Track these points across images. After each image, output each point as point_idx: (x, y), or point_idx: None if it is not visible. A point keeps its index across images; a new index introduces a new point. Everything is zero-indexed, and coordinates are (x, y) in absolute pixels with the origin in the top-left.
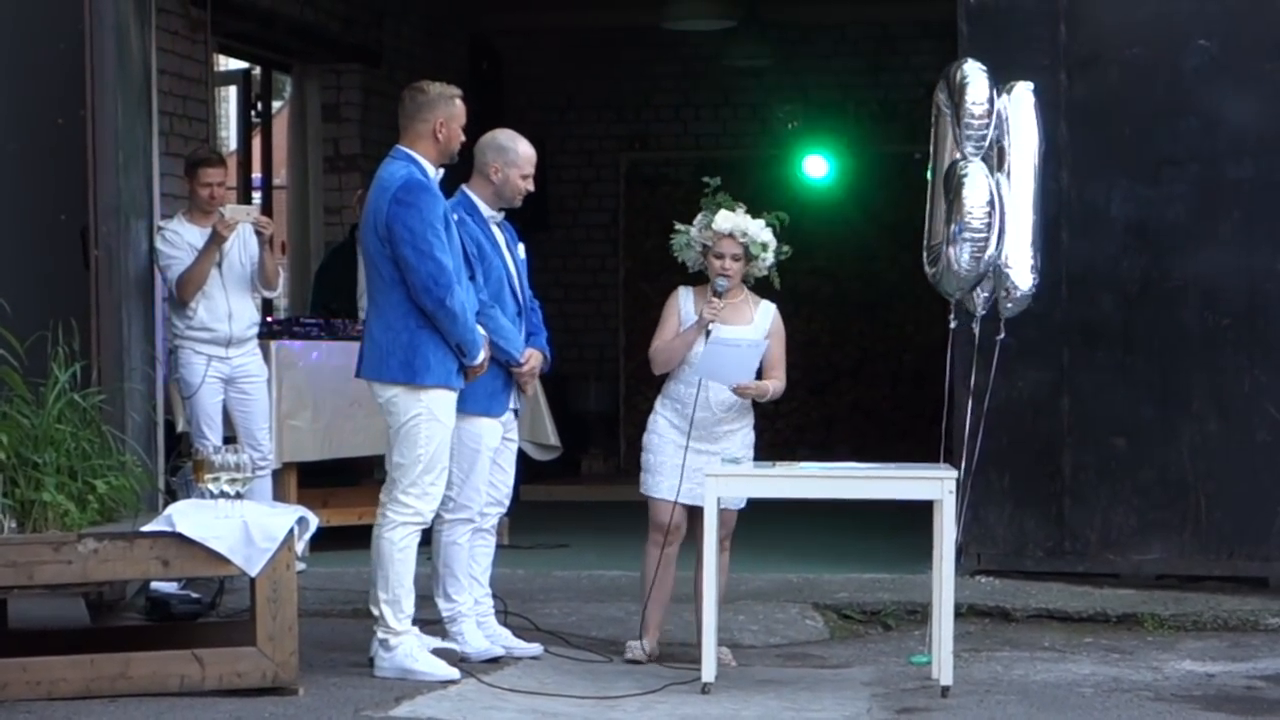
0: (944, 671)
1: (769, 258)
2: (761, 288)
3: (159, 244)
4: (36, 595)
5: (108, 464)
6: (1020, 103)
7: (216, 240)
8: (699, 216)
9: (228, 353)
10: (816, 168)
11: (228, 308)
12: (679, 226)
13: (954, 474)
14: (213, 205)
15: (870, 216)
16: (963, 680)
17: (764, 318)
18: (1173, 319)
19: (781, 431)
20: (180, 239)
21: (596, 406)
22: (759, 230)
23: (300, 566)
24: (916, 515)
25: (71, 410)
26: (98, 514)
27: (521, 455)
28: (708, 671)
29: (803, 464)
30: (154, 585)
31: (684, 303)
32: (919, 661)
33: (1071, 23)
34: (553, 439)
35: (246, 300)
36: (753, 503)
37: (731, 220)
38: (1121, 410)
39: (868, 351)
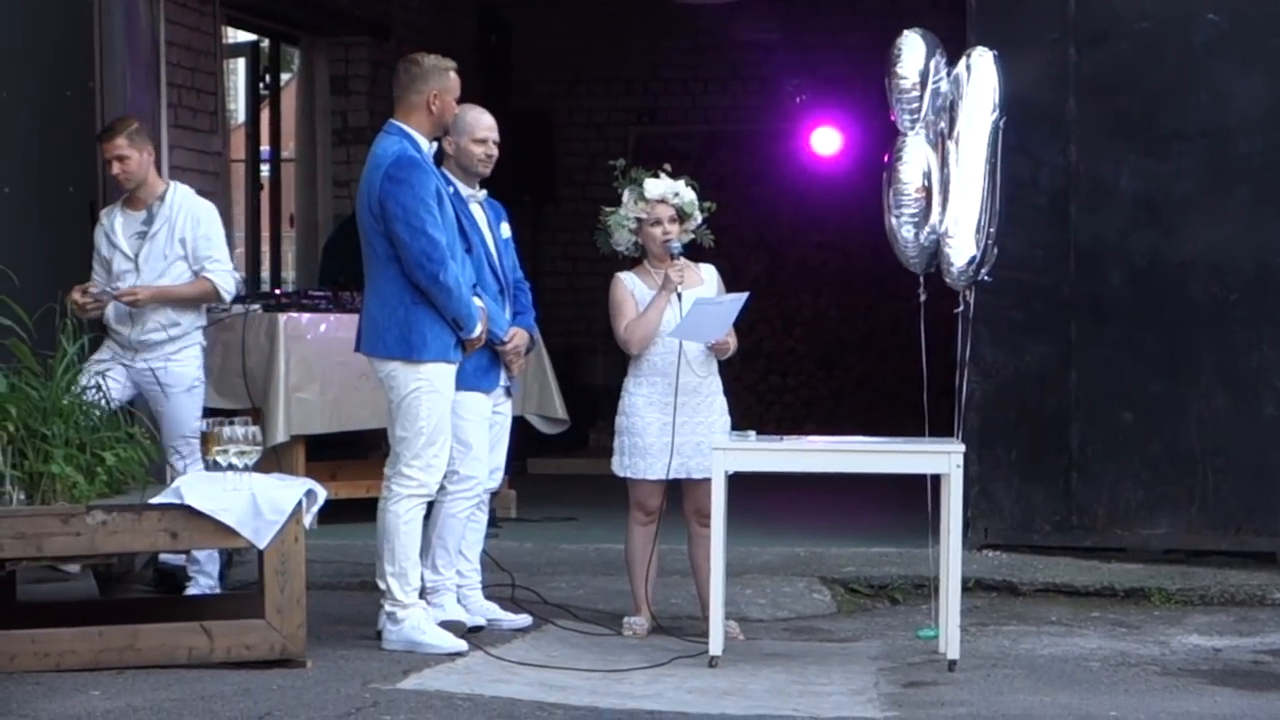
0: (951, 645)
1: (698, 216)
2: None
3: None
4: (45, 567)
5: (116, 436)
6: (979, 70)
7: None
8: (626, 195)
9: (134, 359)
10: (825, 141)
11: (129, 310)
12: (607, 210)
13: (962, 448)
14: (121, 182)
15: (880, 190)
16: (970, 654)
17: (711, 278)
18: (1181, 294)
19: (789, 405)
20: (101, 230)
21: (605, 380)
22: (685, 189)
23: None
24: (924, 489)
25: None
26: (106, 486)
27: (527, 428)
28: (715, 645)
29: (810, 438)
30: (162, 557)
31: (631, 285)
32: (926, 635)
33: None
34: (560, 412)
35: (161, 307)
36: (760, 476)
37: (662, 185)
38: (1129, 385)
39: (876, 326)
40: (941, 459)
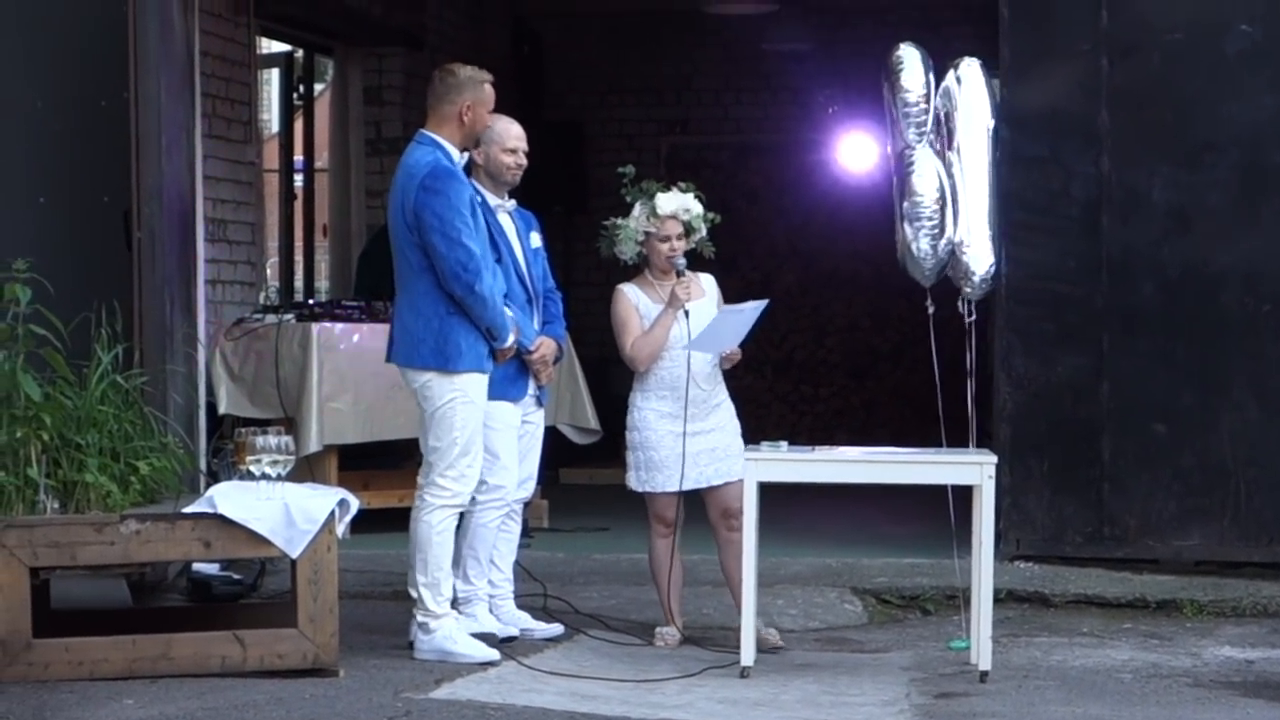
0: (983, 657)
1: (703, 229)
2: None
3: None
4: (79, 576)
5: (150, 445)
6: (969, 80)
7: None
8: (636, 207)
9: None
10: (857, 152)
11: None
12: (619, 222)
13: (994, 459)
14: None
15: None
16: (1001, 665)
17: (712, 288)
18: (1213, 305)
19: (821, 416)
20: None
21: None
22: (695, 204)
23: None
24: (957, 501)
25: (114, 392)
26: (140, 495)
27: (560, 438)
28: (747, 655)
29: (842, 448)
30: (195, 566)
31: (635, 299)
32: (958, 647)
33: (1113, 7)
34: (593, 422)
35: None
36: (792, 486)
37: (675, 201)
38: (1161, 396)
39: (908, 336)
40: (973, 470)
